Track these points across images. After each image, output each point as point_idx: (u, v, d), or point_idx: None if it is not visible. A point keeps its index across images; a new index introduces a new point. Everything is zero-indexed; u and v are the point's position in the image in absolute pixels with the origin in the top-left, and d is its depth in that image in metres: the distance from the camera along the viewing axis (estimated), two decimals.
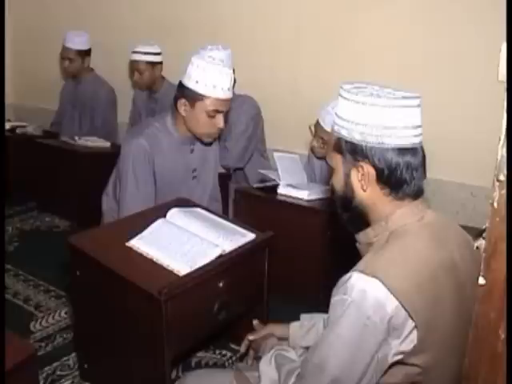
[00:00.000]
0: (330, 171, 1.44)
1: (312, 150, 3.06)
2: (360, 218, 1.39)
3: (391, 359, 1.23)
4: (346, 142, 1.33)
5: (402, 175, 1.31)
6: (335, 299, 1.25)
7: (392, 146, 1.29)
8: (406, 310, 1.19)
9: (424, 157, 1.35)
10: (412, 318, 1.19)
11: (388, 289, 1.18)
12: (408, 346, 1.22)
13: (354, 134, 1.31)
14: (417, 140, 1.32)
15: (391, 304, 1.18)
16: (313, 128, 2.95)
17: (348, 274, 1.25)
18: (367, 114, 1.28)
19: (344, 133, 1.33)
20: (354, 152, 1.32)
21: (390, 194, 1.34)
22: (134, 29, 4.38)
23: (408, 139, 1.29)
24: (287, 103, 3.82)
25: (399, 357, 1.24)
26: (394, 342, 1.21)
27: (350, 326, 1.20)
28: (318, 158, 3.06)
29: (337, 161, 1.38)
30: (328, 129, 2.81)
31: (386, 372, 1.26)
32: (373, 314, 1.18)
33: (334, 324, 1.23)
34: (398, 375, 1.27)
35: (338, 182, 1.40)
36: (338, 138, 1.36)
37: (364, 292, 1.19)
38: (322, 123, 2.87)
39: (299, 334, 1.72)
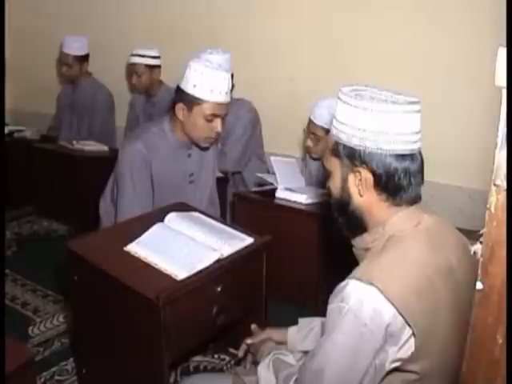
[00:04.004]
0: (327, 174, 1.43)
1: (307, 150, 3.07)
2: (356, 223, 1.39)
3: (388, 366, 1.23)
4: (344, 146, 1.32)
5: (399, 181, 1.30)
6: (332, 306, 1.25)
7: (390, 151, 1.28)
8: (403, 317, 1.18)
9: (422, 163, 1.34)
10: (409, 326, 1.19)
11: (385, 296, 1.18)
12: (405, 353, 1.22)
13: (352, 138, 1.29)
14: (415, 146, 1.31)
15: (388, 311, 1.18)
16: (307, 128, 2.98)
17: (345, 282, 1.25)
18: (366, 119, 1.27)
19: (342, 137, 1.32)
20: (352, 157, 1.31)
21: (387, 199, 1.33)
22: (132, 33, 4.39)
23: (407, 145, 1.28)
24: (284, 107, 3.82)
25: (397, 364, 1.23)
26: (392, 350, 1.21)
27: (347, 334, 1.20)
28: (314, 159, 3.07)
29: (334, 165, 1.37)
30: (319, 123, 2.84)
31: (383, 379, 1.25)
32: (370, 322, 1.18)
33: (332, 331, 1.22)
34: (396, 382, 1.27)
35: (334, 186, 1.40)
36: (335, 142, 1.35)
37: (361, 300, 1.19)
38: (313, 119, 2.90)
39: (297, 338, 1.71)
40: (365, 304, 1.18)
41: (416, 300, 1.20)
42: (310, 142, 2.99)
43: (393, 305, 1.18)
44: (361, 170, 1.31)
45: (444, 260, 1.30)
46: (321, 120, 2.85)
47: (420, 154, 1.34)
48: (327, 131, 2.69)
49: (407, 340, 1.21)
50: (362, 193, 1.34)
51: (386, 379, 1.26)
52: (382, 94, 1.32)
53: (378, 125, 1.26)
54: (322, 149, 2.83)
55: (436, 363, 1.25)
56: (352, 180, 1.34)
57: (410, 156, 1.30)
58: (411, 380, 1.25)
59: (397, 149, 1.28)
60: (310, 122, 2.94)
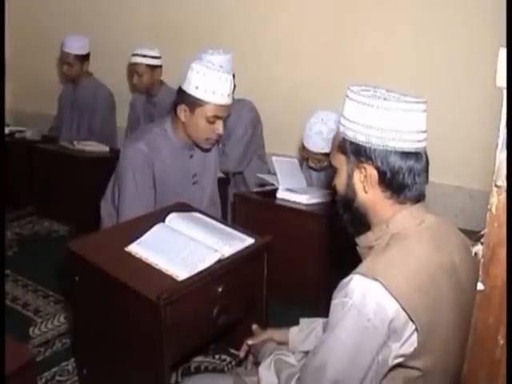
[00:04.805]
0: (333, 171, 1.44)
1: (311, 168, 3.09)
2: (361, 220, 1.40)
3: (391, 362, 1.24)
4: (351, 143, 1.34)
5: (404, 179, 1.31)
6: (336, 302, 1.25)
7: (396, 149, 1.29)
8: (406, 312, 1.19)
9: (427, 162, 1.35)
10: (412, 321, 1.20)
11: (389, 291, 1.18)
12: (408, 348, 1.22)
13: (358, 135, 1.31)
14: (421, 145, 1.32)
15: (392, 307, 1.19)
16: (304, 153, 3.02)
17: (348, 277, 1.26)
18: (373, 117, 1.28)
19: (349, 134, 1.34)
20: (358, 153, 1.33)
21: (391, 197, 1.34)
22: (134, 32, 4.38)
23: (412, 144, 1.30)
24: (286, 107, 3.82)
25: (399, 360, 1.24)
26: (395, 345, 1.21)
27: (350, 329, 1.20)
28: (317, 170, 3.09)
29: (340, 161, 1.39)
30: (315, 150, 2.89)
31: (385, 375, 1.26)
32: (373, 317, 1.18)
33: (335, 327, 1.23)
34: (398, 378, 1.27)
35: (340, 182, 1.41)
36: (342, 139, 1.36)
37: (365, 295, 1.20)
38: (307, 146, 2.94)
39: (298, 338, 1.72)
40: (368, 299, 1.19)
41: (419, 296, 1.21)
42: (311, 163, 3.03)
43: (396, 300, 1.18)
44: (366, 166, 1.32)
45: (447, 258, 1.31)
46: (316, 147, 2.90)
47: (425, 153, 1.35)
48: (326, 154, 2.75)
49: (410, 336, 1.21)
50: (366, 189, 1.35)
51: (388, 376, 1.26)
52: (389, 94, 1.33)
53: (384, 122, 1.28)
54: (326, 165, 2.90)
55: (438, 360, 1.25)
56: (357, 176, 1.35)
57: (415, 155, 1.31)
58: (413, 377, 1.26)
59: (402, 147, 1.29)
60: (306, 149, 2.97)
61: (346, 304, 1.21)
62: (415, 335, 1.21)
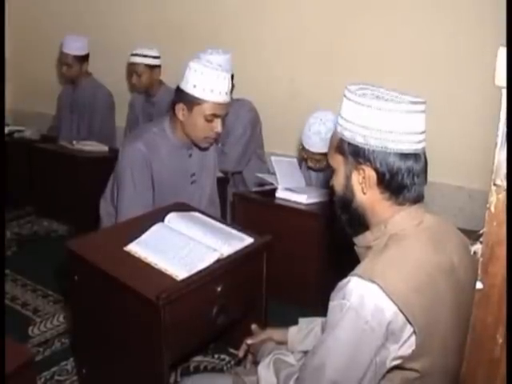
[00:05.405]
0: (331, 171, 1.43)
1: (310, 168, 3.10)
2: (359, 221, 1.39)
3: (389, 364, 1.23)
4: (349, 144, 1.32)
5: (403, 180, 1.30)
6: (334, 303, 1.25)
7: (395, 150, 1.28)
8: (404, 315, 1.18)
9: (426, 162, 1.35)
10: (410, 323, 1.19)
11: (386, 294, 1.18)
12: (406, 350, 1.22)
13: (356, 136, 1.30)
14: (420, 146, 1.31)
15: (390, 309, 1.18)
16: (303, 153, 3.04)
17: (346, 279, 1.25)
18: (371, 117, 1.27)
19: (347, 134, 1.32)
20: (357, 154, 1.31)
21: (389, 198, 1.33)
22: (133, 32, 4.38)
23: (411, 145, 1.29)
24: (285, 106, 3.82)
25: (397, 362, 1.23)
26: (393, 347, 1.21)
27: (348, 330, 1.20)
28: (316, 170, 3.10)
29: (338, 162, 1.37)
30: (313, 149, 2.90)
31: (384, 376, 1.25)
32: (371, 319, 1.18)
33: (333, 328, 1.23)
34: (396, 380, 1.27)
35: (338, 183, 1.40)
36: (340, 140, 1.35)
37: (363, 297, 1.19)
38: (306, 147, 2.96)
39: (297, 338, 1.71)
40: (366, 301, 1.19)
41: (417, 298, 1.20)
42: (310, 164, 3.04)
43: (394, 302, 1.18)
44: (364, 167, 1.31)
45: (445, 259, 1.30)
46: (315, 147, 2.92)
47: (424, 153, 1.34)
48: (324, 154, 2.77)
49: (408, 338, 1.21)
50: (365, 190, 1.34)
51: (386, 377, 1.26)
52: (388, 94, 1.32)
53: (382, 123, 1.26)
54: (325, 165, 2.89)
55: (436, 361, 1.25)
56: (355, 177, 1.34)
57: (414, 156, 1.30)
58: (411, 378, 1.25)
59: (401, 148, 1.28)
60: (305, 149, 2.99)
61: (344, 306, 1.21)
62: (413, 337, 1.21)
